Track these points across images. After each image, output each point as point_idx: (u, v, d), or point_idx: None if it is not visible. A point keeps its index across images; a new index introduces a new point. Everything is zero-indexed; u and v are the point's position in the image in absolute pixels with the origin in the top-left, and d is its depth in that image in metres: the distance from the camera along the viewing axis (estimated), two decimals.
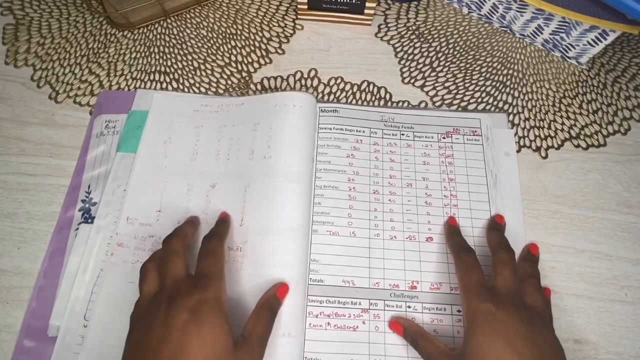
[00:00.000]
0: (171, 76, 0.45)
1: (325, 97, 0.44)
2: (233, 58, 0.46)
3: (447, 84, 0.45)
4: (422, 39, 0.48)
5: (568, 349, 0.35)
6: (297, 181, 0.37)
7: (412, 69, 0.46)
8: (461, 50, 0.47)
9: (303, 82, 0.45)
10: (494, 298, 0.30)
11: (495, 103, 0.44)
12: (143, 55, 0.46)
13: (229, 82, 0.45)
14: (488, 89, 0.45)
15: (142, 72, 0.45)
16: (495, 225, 0.37)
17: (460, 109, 0.44)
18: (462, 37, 0.48)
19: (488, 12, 0.48)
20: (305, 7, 0.47)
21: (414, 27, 0.49)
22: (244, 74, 0.46)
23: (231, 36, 0.47)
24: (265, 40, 0.47)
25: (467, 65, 0.46)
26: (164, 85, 0.45)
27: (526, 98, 0.45)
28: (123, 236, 0.37)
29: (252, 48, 0.47)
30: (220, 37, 0.47)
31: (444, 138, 0.42)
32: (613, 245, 0.38)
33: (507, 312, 0.29)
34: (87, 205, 0.38)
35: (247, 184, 0.38)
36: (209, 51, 0.47)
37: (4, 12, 0.48)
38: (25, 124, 0.42)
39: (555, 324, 0.35)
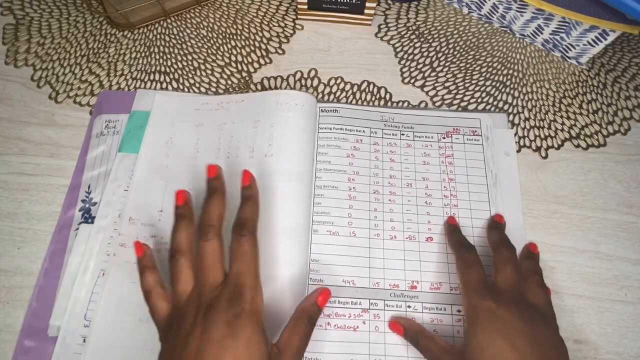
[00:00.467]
0: (171, 76, 0.45)
1: (325, 97, 0.44)
2: (233, 58, 0.46)
3: (447, 84, 0.45)
4: (422, 39, 0.48)
5: (568, 349, 0.35)
6: (297, 180, 0.37)
7: (412, 69, 0.46)
8: (461, 50, 0.47)
9: (303, 82, 0.45)
10: (494, 295, 0.30)
11: (495, 103, 0.44)
12: (143, 55, 0.46)
13: (229, 82, 0.45)
14: (488, 89, 0.45)
15: (142, 72, 0.45)
16: (496, 224, 0.37)
17: (460, 109, 0.44)
18: (462, 37, 0.48)
19: (488, 12, 0.48)
20: (305, 7, 0.47)
21: (414, 27, 0.49)
22: (244, 74, 0.46)
23: (231, 36, 0.47)
24: (265, 40, 0.47)
25: (467, 65, 0.46)
26: (164, 85, 0.45)
27: (526, 98, 0.45)
28: (125, 236, 0.37)
29: (252, 48, 0.47)
30: (220, 37, 0.47)
31: (444, 138, 0.42)
32: (613, 245, 0.38)
33: (507, 310, 0.29)
34: (87, 205, 0.38)
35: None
36: (209, 51, 0.47)
37: (4, 12, 0.48)
38: (25, 124, 0.42)
39: None
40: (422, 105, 0.44)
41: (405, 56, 0.47)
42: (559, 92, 0.45)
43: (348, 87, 0.45)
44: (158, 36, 0.47)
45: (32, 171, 0.40)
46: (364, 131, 0.41)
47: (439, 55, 0.47)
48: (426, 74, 0.46)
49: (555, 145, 0.43)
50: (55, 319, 0.34)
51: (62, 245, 0.37)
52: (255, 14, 0.49)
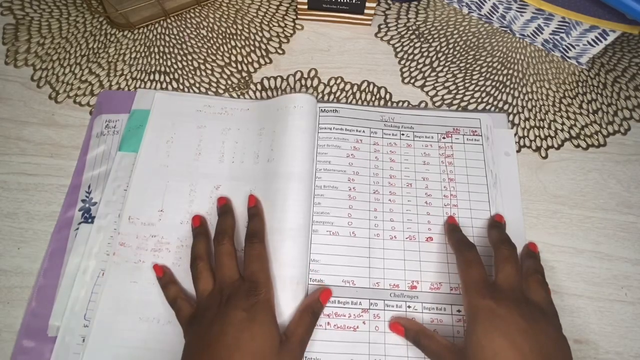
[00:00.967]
0: (171, 76, 0.45)
1: (325, 97, 0.44)
2: (233, 58, 0.46)
3: (447, 84, 0.45)
4: (422, 39, 0.48)
5: None
6: (298, 181, 0.37)
7: (412, 69, 0.46)
8: (461, 50, 0.47)
9: (303, 82, 0.45)
10: (494, 294, 0.30)
11: (495, 103, 0.44)
12: (143, 55, 0.46)
13: (229, 82, 0.45)
14: (488, 89, 0.45)
15: (142, 72, 0.45)
16: (496, 223, 0.37)
17: (460, 109, 0.44)
18: (462, 37, 0.48)
19: (488, 12, 0.48)
20: (305, 7, 0.47)
21: (414, 27, 0.49)
22: (244, 74, 0.46)
23: (231, 36, 0.47)
24: (265, 40, 0.47)
25: (467, 65, 0.46)
26: (164, 85, 0.45)
27: (526, 98, 0.45)
28: (125, 235, 0.37)
29: (252, 48, 0.47)
30: (220, 37, 0.47)
31: (444, 138, 0.42)
32: (613, 245, 0.38)
33: (507, 309, 0.29)
34: (87, 205, 0.38)
35: (253, 187, 0.38)
36: (209, 51, 0.47)
37: (4, 12, 0.48)
38: (25, 124, 0.42)
39: None
40: (422, 105, 0.44)
41: (405, 56, 0.47)
42: (559, 92, 0.45)
43: (348, 87, 0.45)
44: (158, 36, 0.47)
45: (32, 171, 0.40)
46: (364, 131, 0.41)
47: (439, 55, 0.47)
48: (426, 74, 0.46)
49: (555, 145, 0.43)
50: (54, 319, 0.34)
51: (62, 245, 0.37)
52: (255, 14, 0.49)
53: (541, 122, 0.44)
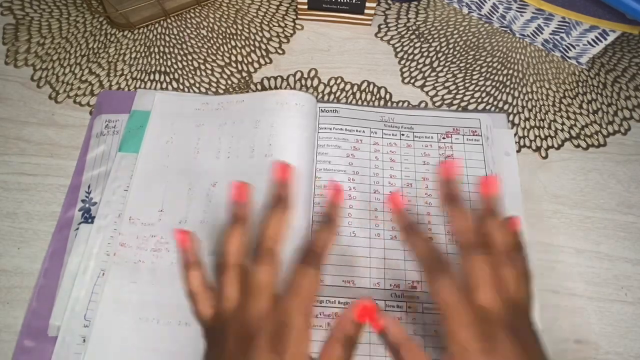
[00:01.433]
0: (171, 76, 0.45)
1: (325, 97, 0.44)
2: (233, 58, 0.46)
3: (447, 84, 0.45)
4: (422, 39, 0.48)
5: (568, 349, 0.35)
6: (297, 180, 0.37)
7: (412, 69, 0.46)
8: (461, 50, 0.47)
9: (303, 82, 0.45)
10: (484, 328, 0.24)
11: (495, 103, 0.44)
12: (143, 55, 0.46)
13: (229, 82, 0.45)
14: (488, 89, 0.45)
15: (142, 72, 0.45)
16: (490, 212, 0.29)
17: (460, 109, 0.44)
18: (462, 37, 0.48)
19: (488, 12, 0.48)
20: (305, 7, 0.47)
21: (414, 27, 0.49)
22: (244, 74, 0.46)
23: (231, 36, 0.47)
24: (265, 40, 0.47)
25: (467, 65, 0.46)
26: (164, 85, 0.45)
27: (526, 98, 0.45)
28: (125, 236, 0.37)
29: (252, 48, 0.47)
30: (220, 37, 0.47)
31: (443, 138, 0.42)
32: (613, 245, 0.38)
33: (505, 346, 0.24)
34: (87, 205, 0.38)
35: (248, 182, 0.38)
36: (209, 51, 0.47)
37: (4, 12, 0.48)
38: (25, 124, 0.42)
39: (555, 323, 0.35)
40: (422, 105, 0.44)
41: (405, 56, 0.47)
42: (559, 92, 0.45)
43: (348, 87, 0.45)
44: (158, 36, 0.47)
45: (32, 171, 0.40)
46: (364, 131, 0.41)
47: (439, 55, 0.47)
48: (426, 74, 0.46)
49: (555, 145, 0.43)
50: (55, 319, 0.34)
51: (62, 245, 0.37)
52: (255, 14, 0.49)
53: (541, 122, 0.44)
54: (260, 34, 0.48)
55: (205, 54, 0.46)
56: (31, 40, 0.46)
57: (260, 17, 0.49)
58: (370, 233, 0.37)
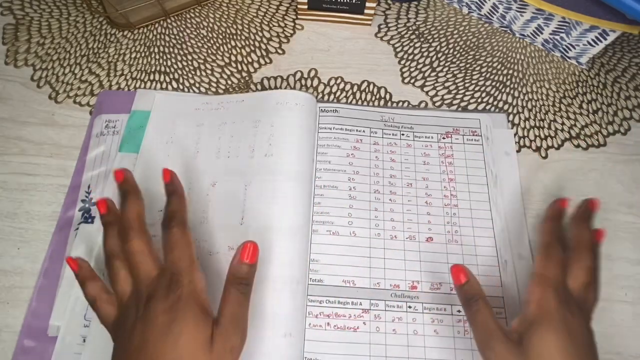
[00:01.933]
0: (171, 76, 0.45)
1: (325, 97, 0.44)
2: (233, 58, 0.46)
3: (447, 84, 0.45)
4: (422, 39, 0.48)
5: None
6: (297, 180, 0.37)
7: (412, 69, 0.46)
8: (461, 50, 0.47)
9: (303, 82, 0.45)
10: (570, 303, 0.29)
11: (495, 103, 0.44)
12: (143, 55, 0.46)
13: (229, 82, 0.45)
14: (488, 89, 0.45)
15: (142, 72, 0.45)
16: (588, 214, 0.35)
17: (460, 109, 0.44)
18: (462, 37, 0.48)
19: (488, 12, 0.48)
20: (305, 7, 0.47)
21: (414, 27, 0.49)
22: (244, 74, 0.46)
23: (231, 36, 0.47)
24: (265, 40, 0.47)
25: (467, 65, 0.46)
26: (164, 85, 0.45)
27: (526, 98, 0.45)
28: None
29: (252, 48, 0.47)
30: (220, 37, 0.47)
31: (443, 138, 0.42)
32: (613, 245, 0.38)
33: (579, 325, 0.29)
34: (87, 205, 0.38)
35: (248, 182, 0.38)
36: (209, 51, 0.47)
37: (4, 12, 0.48)
38: (25, 124, 0.42)
39: None
40: (422, 105, 0.44)
41: (405, 56, 0.47)
42: (559, 92, 0.45)
43: (348, 87, 0.45)
44: (158, 36, 0.47)
45: (32, 171, 0.40)
46: (364, 131, 0.41)
47: (439, 55, 0.47)
48: (426, 74, 0.46)
49: (555, 145, 0.43)
50: (55, 319, 0.34)
51: (62, 245, 0.37)
52: (255, 14, 0.49)
53: (541, 122, 0.44)
54: (260, 34, 0.48)
55: (205, 54, 0.46)
56: (31, 40, 0.46)
57: (260, 17, 0.49)
58: (370, 233, 0.37)
